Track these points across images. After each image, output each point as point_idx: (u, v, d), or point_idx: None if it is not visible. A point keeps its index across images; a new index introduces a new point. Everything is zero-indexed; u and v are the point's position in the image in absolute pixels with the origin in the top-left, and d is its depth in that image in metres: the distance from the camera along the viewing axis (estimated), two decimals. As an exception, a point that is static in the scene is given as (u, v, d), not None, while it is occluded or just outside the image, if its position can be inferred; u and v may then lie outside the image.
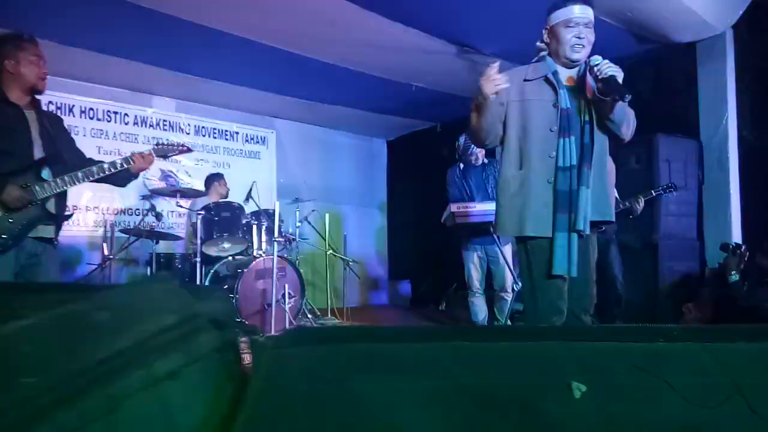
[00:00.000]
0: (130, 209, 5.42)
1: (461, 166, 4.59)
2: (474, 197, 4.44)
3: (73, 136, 2.71)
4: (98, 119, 5.49)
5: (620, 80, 2.12)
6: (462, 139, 4.48)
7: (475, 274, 4.55)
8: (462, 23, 4.52)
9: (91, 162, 2.54)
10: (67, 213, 2.52)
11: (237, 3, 4.13)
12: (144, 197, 4.75)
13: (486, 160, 4.53)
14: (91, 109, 5.46)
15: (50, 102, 5.18)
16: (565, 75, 2.28)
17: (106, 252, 3.80)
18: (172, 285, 0.82)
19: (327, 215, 5.23)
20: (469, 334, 0.69)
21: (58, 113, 5.22)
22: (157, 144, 2.64)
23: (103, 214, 5.33)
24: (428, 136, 7.64)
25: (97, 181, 2.54)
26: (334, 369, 0.64)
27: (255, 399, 0.62)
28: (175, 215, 5.63)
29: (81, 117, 5.39)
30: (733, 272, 4.08)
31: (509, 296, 4.49)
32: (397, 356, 0.65)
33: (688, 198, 4.88)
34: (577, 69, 2.30)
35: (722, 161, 4.83)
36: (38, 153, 2.36)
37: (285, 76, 5.70)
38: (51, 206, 2.36)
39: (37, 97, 2.49)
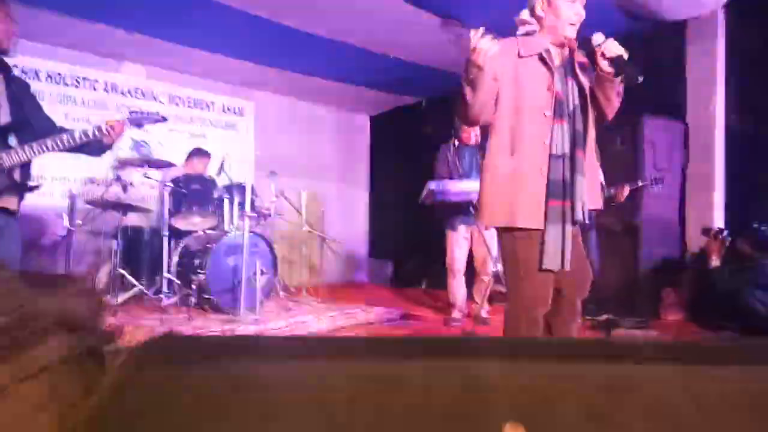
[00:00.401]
0: (98, 180, 5.20)
1: (456, 143, 4.47)
2: (464, 176, 4.33)
3: (39, 102, 2.55)
4: (65, 84, 5.24)
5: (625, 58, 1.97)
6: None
7: (459, 255, 4.45)
8: (446, -7, 4.34)
9: (62, 130, 2.38)
10: (32, 184, 2.35)
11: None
12: (113, 167, 4.55)
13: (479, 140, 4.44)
14: (59, 74, 5.21)
15: (14, 65, 4.90)
16: (555, 54, 2.11)
17: (65, 224, 3.61)
18: (3, 275, 0.67)
19: (304, 192, 5.07)
20: (379, 345, 0.54)
21: (24, 78, 4.96)
22: (131, 112, 2.54)
23: (70, 184, 5.12)
24: (413, 113, 7.47)
25: (68, 150, 2.39)
26: (193, 401, 0.49)
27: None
28: (147, 187, 5.43)
29: (47, 82, 5.14)
30: (714, 257, 4.03)
31: (488, 278, 4.40)
32: (282, 383, 0.50)
33: (671, 181, 4.80)
34: (565, 48, 2.13)
35: (707, 145, 4.75)
36: (5, 119, 2.20)
37: (263, 44, 5.48)
38: (17, 175, 2.20)
39: (6, 59, 2.32)
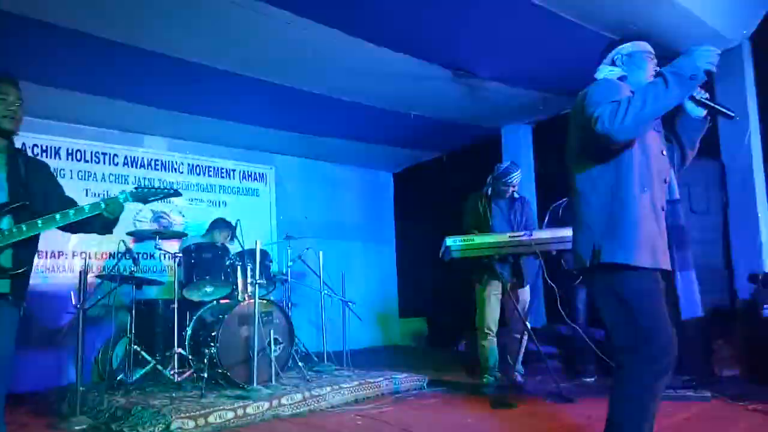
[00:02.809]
0: (115, 254, 5.18)
1: (488, 192, 4.31)
2: (495, 229, 4.13)
3: (59, 178, 2.52)
4: (86, 161, 5.33)
5: None
6: (504, 165, 4.29)
7: (490, 314, 4.19)
8: (454, 47, 4.29)
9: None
10: (18, 270, 2.21)
11: (225, 37, 3.97)
12: (123, 240, 4.51)
13: (517, 195, 4.27)
14: (79, 150, 5.32)
15: (35, 145, 5.05)
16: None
17: (74, 301, 3.54)
18: None
19: (321, 252, 4.92)
20: None
21: (44, 156, 5.09)
22: (137, 187, 2.43)
23: (88, 258, 5.11)
24: (435, 167, 7.38)
25: (69, 230, 2.37)
26: None
27: None
28: (167, 258, 5.39)
29: (68, 159, 5.23)
30: (766, 306, 3.65)
31: (520, 336, 4.12)
32: None
33: (713, 223, 4.48)
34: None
35: (747, 182, 4.44)
36: (2, 198, 2.17)
37: (281, 109, 5.53)
38: (7, 258, 2.13)
39: (15, 140, 2.32)
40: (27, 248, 2.23)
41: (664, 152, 2.05)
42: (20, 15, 3.48)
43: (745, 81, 4.55)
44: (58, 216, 2.20)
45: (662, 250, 1.95)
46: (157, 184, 2.49)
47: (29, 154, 4.67)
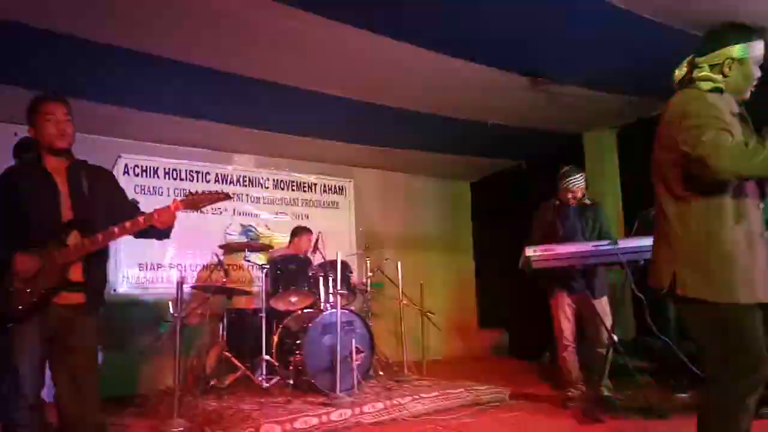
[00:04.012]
0: (207, 265, 5.49)
1: (557, 203, 4.21)
2: (566, 239, 4.01)
3: (156, 195, 2.66)
4: (181, 179, 5.71)
5: None
6: (565, 171, 4.16)
7: (567, 325, 4.09)
8: (530, 53, 4.23)
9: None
10: (76, 280, 2.32)
11: (307, 58, 4.16)
12: (217, 253, 4.79)
13: (588, 201, 4.13)
14: (174, 169, 5.71)
15: (136, 165, 5.48)
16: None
17: (171, 310, 3.80)
18: None
19: (399, 263, 4.99)
20: None
21: (143, 176, 5.50)
22: (187, 195, 2.48)
23: (183, 270, 5.46)
24: (513, 176, 7.26)
25: (134, 236, 2.46)
26: None
27: None
28: (251, 270, 5.66)
29: (165, 178, 5.63)
30: None
31: (604, 350, 3.96)
32: None
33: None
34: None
35: None
36: (67, 216, 2.33)
37: (359, 125, 5.68)
38: (75, 273, 2.29)
39: (78, 157, 2.47)
40: (96, 260, 2.37)
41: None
42: (123, 47, 3.80)
43: None
44: (116, 229, 2.30)
45: (762, 281, 1.81)
46: (211, 189, 2.56)
47: (130, 173, 5.04)
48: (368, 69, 4.38)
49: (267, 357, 4.24)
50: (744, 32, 1.94)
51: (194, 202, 2.46)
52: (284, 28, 3.72)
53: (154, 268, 5.43)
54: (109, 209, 2.45)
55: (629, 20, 3.70)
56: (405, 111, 5.25)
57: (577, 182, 4.07)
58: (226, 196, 2.56)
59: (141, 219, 2.34)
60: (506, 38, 4.00)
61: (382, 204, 7.12)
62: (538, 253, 3.84)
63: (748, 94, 1.99)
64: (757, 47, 1.93)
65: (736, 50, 1.91)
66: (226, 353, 4.38)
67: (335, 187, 6.80)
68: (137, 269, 5.33)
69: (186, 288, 4.29)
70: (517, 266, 4.02)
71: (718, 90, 1.93)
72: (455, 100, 5.06)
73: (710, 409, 1.87)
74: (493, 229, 7.52)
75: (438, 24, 3.79)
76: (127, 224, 2.32)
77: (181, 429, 3.58)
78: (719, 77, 1.93)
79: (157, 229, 2.43)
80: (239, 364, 4.34)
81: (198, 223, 5.61)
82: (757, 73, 1.95)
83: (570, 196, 4.07)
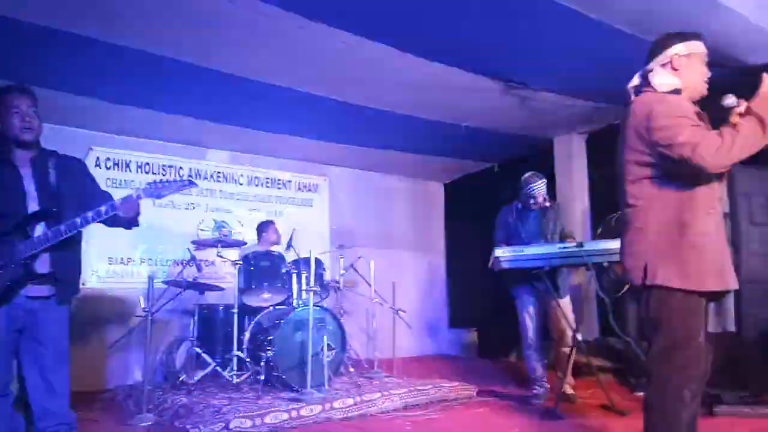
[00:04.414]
0: (179, 261, 5.46)
1: (518, 206, 4.32)
2: (525, 243, 4.13)
3: (128, 190, 2.63)
4: (154, 173, 5.67)
5: None
6: (527, 177, 4.25)
7: (531, 324, 4.22)
8: (505, 59, 4.33)
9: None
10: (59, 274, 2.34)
11: (280, 55, 4.17)
12: (190, 249, 4.78)
13: (548, 204, 4.24)
14: (147, 163, 5.66)
15: (108, 158, 5.42)
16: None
17: (143, 305, 3.80)
18: None
19: (372, 262, 5.05)
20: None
21: (115, 169, 5.44)
22: (149, 183, 2.45)
23: (154, 265, 5.43)
24: (486, 178, 7.39)
25: (103, 224, 2.44)
26: None
27: None
28: (224, 265, 5.65)
29: (137, 172, 5.58)
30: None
31: (568, 349, 4.09)
32: None
33: (773, 235, 4.31)
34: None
35: (812, 192, 4.26)
36: (33, 208, 2.32)
37: (335, 124, 5.71)
38: (42, 265, 2.29)
39: (50, 148, 2.46)
40: (64, 252, 2.34)
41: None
42: (98, 39, 3.76)
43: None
44: (79, 220, 2.29)
45: (728, 270, 1.95)
46: (175, 178, 2.49)
47: (101, 166, 4.95)
48: (345, 69, 4.41)
49: (238, 353, 4.25)
50: (683, 34, 2.09)
51: (157, 190, 2.43)
52: (262, 25, 3.73)
53: (124, 263, 5.38)
54: (80, 200, 2.43)
55: (600, 30, 3.82)
56: (381, 111, 5.31)
57: (538, 188, 4.18)
58: (190, 183, 2.53)
59: (103, 209, 2.32)
60: (482, 44, 4.09)
61: (357, 202, 7.16)
62: (507, 254, 3.96)
63: (705, 90, 2.10)
64: (699, 44, 2.08)
65: (679, 47, 2.06)
66: (197, 349, 4.38)
67: (310, 185, 6.82)
68: (107, 263, 5.28)
69: (157, 283, 4.27)
70: (488, 267, 4.13)
71: (677, 91, 2.05)
72: (430, 102, 5.14)
73: (652, 403, 1.96)
74: (465, 229, 7.63)
75: (416, 27, 3.85)
76: (90, 214, 2.30)
77: (150, 424, 3.59)
78: (674, 76, 2.05)
79: (124, 218, 2.42)
80: (210, 360, 4.34)
81: (170, 218, 5.58)
82: (707, 72, 2.08)
83: (532, 201, 4.19)
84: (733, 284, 1.96)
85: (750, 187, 4.28)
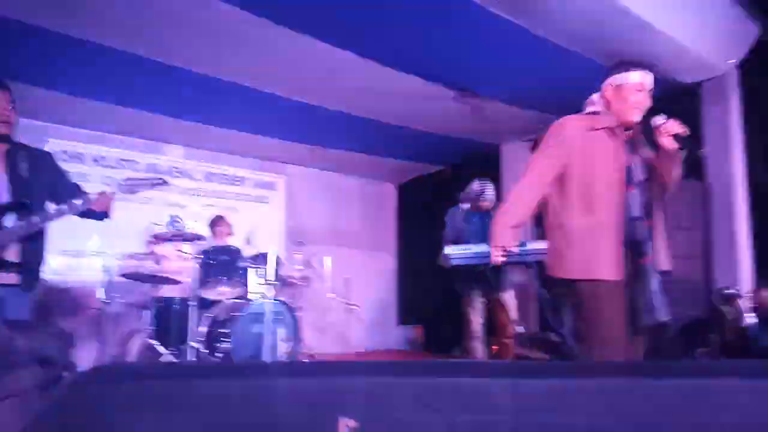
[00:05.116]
0: (135, 254, 5.48)
1: (465, 207, 4.58)
2: (469, 241, 4.39)
3: (83, 182, 2.75)
4: (109, 167, 5.66)
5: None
6: (476, 184, 4.49)
7: (475, 318, 4.48)
8: (456, 68, 4.60)
9: (80, 194, 2.54)
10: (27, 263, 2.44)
11: (241, 54, 4.28)
12: (148, 242, 4.84)
13: (494, 206, 4.51)
14: (103, 157, 5.65)
15: (63, 151, 5.38)
16: (620, 132, 2.37)
17: (101, 296, 3.84)
18: None
19: (328, 259, 5.23)
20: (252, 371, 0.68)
21: (71, 162, 5.41)
22: (124, 180, 2.61)
23: (108, 258, 5.42)
24: (437, 180, 7.66)
25: (79, 215, 2.53)
26: (125, 405, 0.63)
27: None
28: (180, 259, 5.68)
29: (92, 164, 5.57)
30: (739, 317, 3.91)
31: (510, 341, 4.38)
32: (185, 393, 0.65)
33: (694, 239, 4.75)
34: (631, 129, 2.39)
35: (729, 203, 4.71)
36: (5, 199, 2.40)
37: (291, 123, 5.84)
38: (12, 254, 2.37)
39: (18, 141, 2.54)
40: (33, 243, 2.45)
41: (619, 176, 2.31)
42: (56, 31, 3.80)
43: (731, 107, 4.80)
44: (53, 212, 2.41)
45: (604, 263, 2.25)
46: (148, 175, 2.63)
47: (60, 157, 4.92)
48: (304, 70, 4.56)
49: (193, 343, 4.34)
50: (623, 65, 2.40)
51: (131, 187, 2.59)
52: (224, 24, 3.84)
53: (77, 255, 5.36)
54: (51, 191, 2.54)
55: (546, 48, 4.13)
56: (338, 113, 5.49)
57: (490, 192, 4.47)
58: (163, 182, 2.70)
59: (79, 202, 2.44)
60: (436, 55, 4.34)
61: (312, 201, 7.31)
62: (455, 251, 4.21)
63: (634, 116, 2.35)
64: (633, 75, 2.34)
65: (611, 79, 2.37)
66: (151, 340, 4.44)
67: (267, 183, 6.92)
68: (61, 256, 5.24)
69: (114, 276, 4.31)
70: (436, 266, 4.38)
71: (595, 112, 2.41)
72: (386, 106, 5.35)
73: None
74: (415, 229, 7.89)
75: (376, 36, 4.07)
76: (64, 207, 2.41)
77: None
78: (603, 104, 2.40)
79: (97, 214, 2.56)
80: (164, 350, 4.41)
81: (124, 211, 5.55)
82: (642, 99, 2.34)
83: (484, 206, 4.46)
84: (609, 276, 2.23)
85: (677, 196, 4.63)
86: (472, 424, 0.61)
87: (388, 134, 6.08)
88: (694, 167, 4.86)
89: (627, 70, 2.36)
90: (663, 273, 2.33)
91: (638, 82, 2.33)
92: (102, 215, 2.64)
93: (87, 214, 2.56)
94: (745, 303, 3.95)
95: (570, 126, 2.38)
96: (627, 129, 2.36)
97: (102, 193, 2.51)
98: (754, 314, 3.88)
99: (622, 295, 2.24)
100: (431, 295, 7.35)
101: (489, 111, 5.36)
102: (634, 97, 2.32)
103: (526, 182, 2.44)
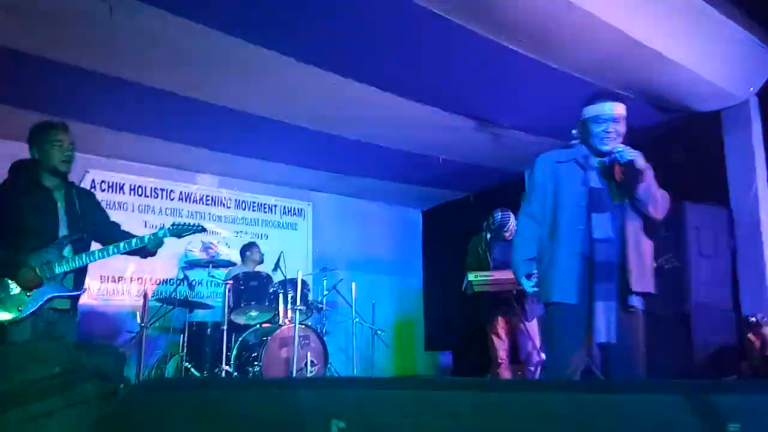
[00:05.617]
0: (170, 279, 5.72)
1: (488, 236, 4.68)
2: (495, 269, 4.48)
3: (121, 211, 3.04)
4: (146, 196, 5.94)
5: (641, 163, 2.36)
6: (498, 215, 4.60)
7: (500, 344, 4.54)
8: (476, 99, 4.76)
9: (124, 236, 2.82)
10: (81, 289, 2.74)
11: (269, 89, 4.51)
12: (182, 268, 5.05)
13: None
14: (140, 186, 5.93)
15: (103, 181, 5.68)
16: (597, 160, 2.52)
17: (139, 320, 4.05)
18: (61, 342, 1.00)
19: (353, 284, 5.36)
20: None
21: (109, 191, 5.70)
22: (173, 224, 2.91)
23: (144, 284, 5.67)
24: (462, 206, 7.77)
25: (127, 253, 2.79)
26: (168, 413, 0.78)
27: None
28: (213, 284, 5.90)
29: (130, 194, 5.84)
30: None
31: (534, 368, 4.43)
32: (226, 405, 0.79)
33: (721, 267, 4.74)
34: (608, 156, 2.52)
35: (754, 229, 4.71)
36: (63, 231, 2.64)
37: (318, 152, 6.04)
38: (69, 281, 2.61)
39: (69, 177, 2.79)
40: (82, 273, 2.72)
41: (585, 203, 2.43)
42: (96, 72, 4.07)
43: (752, 134, 4.82)
44: (111, 248, 2.69)
45: (559, 285, 2.39)
46: (191, 221, 2.91)
47: (96, 188, 5.24)
48: (329, 105, 4.77)
49: (226, 367, 4.50)
50: (590, 98, 2.56)
51: (178, 232, 2.91)
52: (253, 63, 4.06)
53: (114, 281, 5.60)
54: (96, 228, 2.82)
55: (560, 78, 4.24)
56: (364, 143, 5.67)
57: (513, 223, 4.56)
58: (202, 229, 3.05)
59: (133, 241, 2.71)
60: (458, 88, 4.51)
61: (339, 227, 7.48)
62: (479, 278, 4.31)
63: (601, 146, 2.48)
64: (590, 109, 2.50)
65: (582, 112, 2.54)
66: (186, 363, 4.61)
67: (294, 210, 7.13)
68: (99, 281, 5.50)
69: (150, 300, 4.52)
70: (463, 292, 4.48)
71: (568, 146, 2.62)
72: (409, 136, 5.52)
73: None
74: (441, 255, 7.97)
75: (397, 71, 4.25)
76: (122, 244, 2.68)
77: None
78: (576, 134, 2.61)
79: (145, 251, 2.80)
80: (197, 374, 4.57)
81: (160, 238, 5.81)
82: (605, 129, 2.45)
83: (506, 235, 4.56)
84: (566, 299, 2.38)
85: (699, 221, 4.68)
86: (436, 427, 0.76)
87: (411, 162, 6.23)
88: (717, 193, 4.89)
89: (587, 104, 2.54)
90: (641, 294, 2.39)
91: (596, 114, 2.48)
92: (147, 255, 2.89)
93: (137, 251, 2.80)
94: (771, 330, 3.93)
95: (539, 162, 2.62)
96: (601, 156, 2.49)
97: (155, 235, 2.76)
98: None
99: (578, 316, 2.34)
100: (459, 321, 7.39)
101: (509, 140, 5.48)
102: (595, 128, 2.46)
103: (520, 220, 2.73)
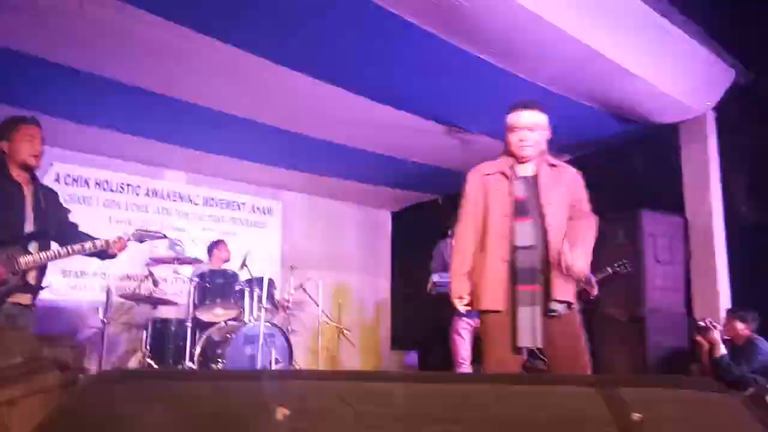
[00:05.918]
0: (134, 276, 5.66)
1: (452, 240, 4.78)
2: None
3: (86, 206, 3.03)
4: (111, 191, 5.86)
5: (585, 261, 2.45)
6: None
7: (461, 344, 4.64)
8: (446, 105, 4.85)
9: (82, 237, 2.83)
10: (43, 285, 2.74)
11: (241, 88, 4.52)
12: (147, 264, 5.01)
13: None
14: (106, 181, 5.85)
15: (68, 175, 5.59)
16: (523, 168, 2.61)
17: (101, 316, 4.01)
18: (24, 332, 1.04)
19: (320, 283, 5.40)
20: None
21: (74, 185, 5.62)
22: (136, 230, 2.98)
23: (108, 279, 5.59)
24: (431, 208, 7.87)
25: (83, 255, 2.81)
26: (126, 402, 0.83)
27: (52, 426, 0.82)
28: (179, 281, 5.86)
29: (95, 188, 5.76)
30: (716, 348, 4.06)
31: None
32: (179, 394, 0.85)
33: (675, 273, 4.93)
34: (533, 163, 2.61)
35: (707, 237, 4.91)
36: (29, 227, 2.62)
37: (288, 151, 6.05)
38: (32, 277, 2.60)
39: (36, 173, 2.78)
40: (43, 268, 2.72)
41: (509, 211, 2.52)
42: (60, 63, 4.01)
43: (708, 147, 5.03)
44: (76, 247, 2.69)
45: (488, 295, 2.47)
46: (154, 229, 2.99)
47: (61, 182, 5.17)
48: (300, 105, 4.80)
49: (189, 364, 4.49)
50: (510, 107, 2.68)
51: (140, 237, 2.99)
52: (224, 62, 4.06)
53: (78, 276, 5.52)
54: (58, 226, 2.80)
55: (528, 88, 4.33)
56: (334, 144, 5.70)
57: None
58: (164, 236, 3.17)
59: (98, 243, 2.73)
60: (428, 93, 4.60)
61: (308, 226, 7.50)
62: (443, 279, 4.41)
63: (521, 152, 2.59)
64: (509, 117, 2.63)
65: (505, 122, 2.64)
66: (148, 359, 4.59)
67: (263, 208, 7.13)
68: (61, 276, 5.41)
69: (113, 296, 4.49)
70: (428, 292, 4.57)
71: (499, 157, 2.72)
72: (379, 138, 5.58)
73: None
74: (409, 256, 8.06)
75: (369, 76, 4.31)
76: (88, 244, 2.70)
77: None
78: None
79: (105, 254, 2.83)
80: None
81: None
82: (522, 137, 2.57)
83: None
84: (493, 306, 2.47)
85: (654, 229, 4.86)
86: (372, 414, 0.84)
87: (381, 164, 6.30)
88: (673, 202, 5.08)
89: (506, 114, 2.66)
90: (561, 302, 2.45)
91: (512, 123, 2.62)
92: (110, 257, 2.91)
93: (98, 254, 2.83)
94: (720, 334, 4.11)
95: (470, 176, 2.71)
96: (523, 163, 2.60)
97: (120, 239, 2.79)
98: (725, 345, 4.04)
99: (505, 322, 2.42)
100: (425, 321, 7.48)
101: (478, 145, 5.59)
102: (513, 136, 2.58)
103: (457, 233, 2.75)
